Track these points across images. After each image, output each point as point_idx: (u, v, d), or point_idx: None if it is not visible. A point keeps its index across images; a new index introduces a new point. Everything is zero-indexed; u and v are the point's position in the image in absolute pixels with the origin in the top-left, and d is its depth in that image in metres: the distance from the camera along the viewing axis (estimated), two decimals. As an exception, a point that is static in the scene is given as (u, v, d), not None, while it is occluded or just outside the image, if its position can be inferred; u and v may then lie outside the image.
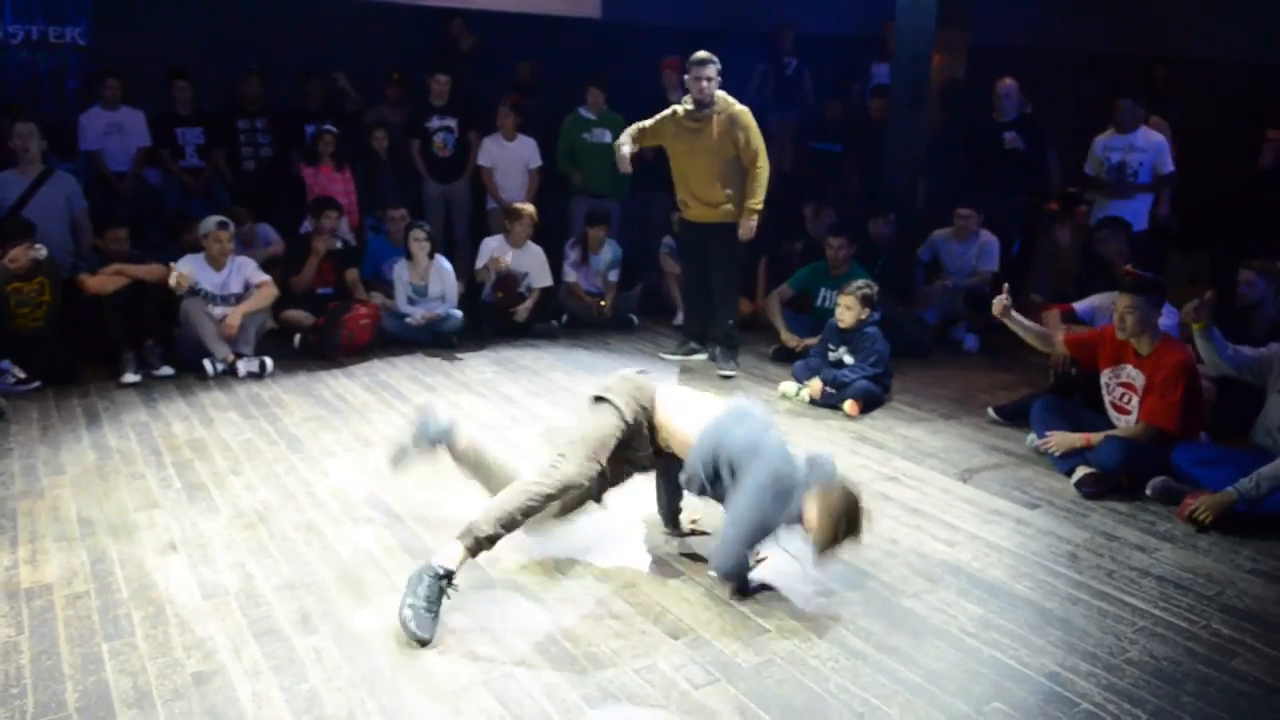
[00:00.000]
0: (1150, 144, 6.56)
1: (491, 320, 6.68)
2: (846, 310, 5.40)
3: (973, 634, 3.05)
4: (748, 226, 5.68)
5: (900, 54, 7.01)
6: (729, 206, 5.71)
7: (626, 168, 5.64)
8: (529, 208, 6.84)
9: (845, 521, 3.08)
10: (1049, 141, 7.33)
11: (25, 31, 7.42)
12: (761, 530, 3.13)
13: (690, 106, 5.60)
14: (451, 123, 7.52)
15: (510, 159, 7.53)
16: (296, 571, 3.34)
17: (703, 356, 6.16)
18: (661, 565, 3.46)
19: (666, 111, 5.74)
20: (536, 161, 7.58)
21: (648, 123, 5.76)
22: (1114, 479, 4.21)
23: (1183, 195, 7.18)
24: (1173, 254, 7.82)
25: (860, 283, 5.47)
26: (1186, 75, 8.81)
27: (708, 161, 5.64)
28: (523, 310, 6.73)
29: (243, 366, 5.59)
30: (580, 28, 9.42)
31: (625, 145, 5.59)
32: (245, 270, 5.85)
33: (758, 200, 5.64)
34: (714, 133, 5.57)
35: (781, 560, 3.33)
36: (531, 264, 6.83)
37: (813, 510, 3.08)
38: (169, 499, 3.92)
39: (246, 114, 7.32)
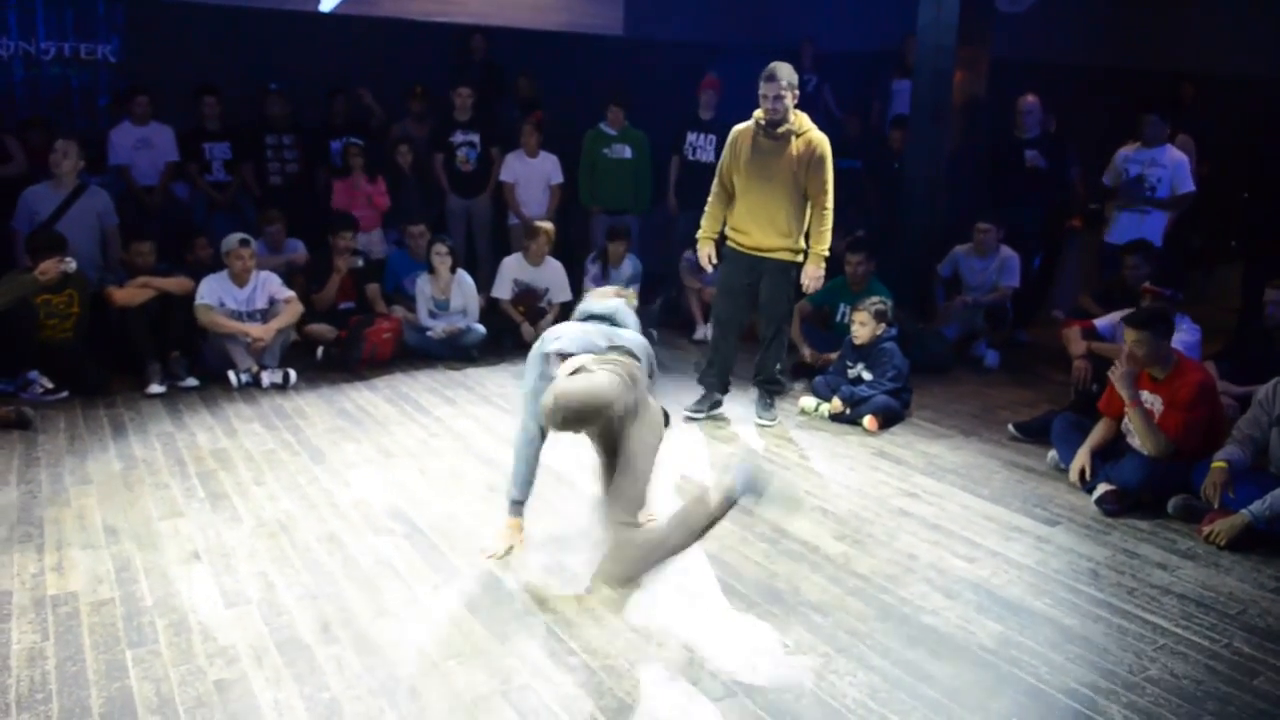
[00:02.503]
0: (1172, 161, 6.53)
1: (512, 334, 6.72)
2: (861, 326, 5.42)
3: (992, 651, 3.04)
4: (816, 275, 5.10)
5: (921, 71, 7.02)
6: (791, 241, 5.13)
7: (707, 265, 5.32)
8: (547, 226, 6.89)
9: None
10: (1072, 158, 7.32)
11: (58, 48, 7.56)
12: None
13: (763, 123, 5.02)
14: (474, 138, 7.59)
15: (532, 175, 7.60)
16: (318, 581, 3.37)
17: (721, 408, 5.49)
18: (679, 580, 3.47)
19: (731, 135, 5.16)
20: (558, 178, 7.64)
21: (721, 166, 5.18)
22: (1135, 497, 4.18)
23: (1207, 213, 7.16)
24: (1194, 272, 7.80)
25: (874, 299, 5.47)
26: (1210, 91, 8.80)
27: (781, 186, 5.04)
28: (542, 325, 6.77)
29: (266, 378, 5.65)
30: (603, 44, 9.49)
31: (708, 250, 5.24)
32: (270, 286, 5.92)
33: (825, 245, 5.06)
34: (792, 155, 4.99)
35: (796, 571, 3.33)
36: (551, 279, 6.88)
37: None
38: (193, 508, 3.97)
39: (274, 129, 7.43)
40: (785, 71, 4.91)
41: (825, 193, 5.02)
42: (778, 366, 5.39)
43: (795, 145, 4.99)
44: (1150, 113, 6.56)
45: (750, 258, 5.20)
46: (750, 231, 5.16)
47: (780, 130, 4.98)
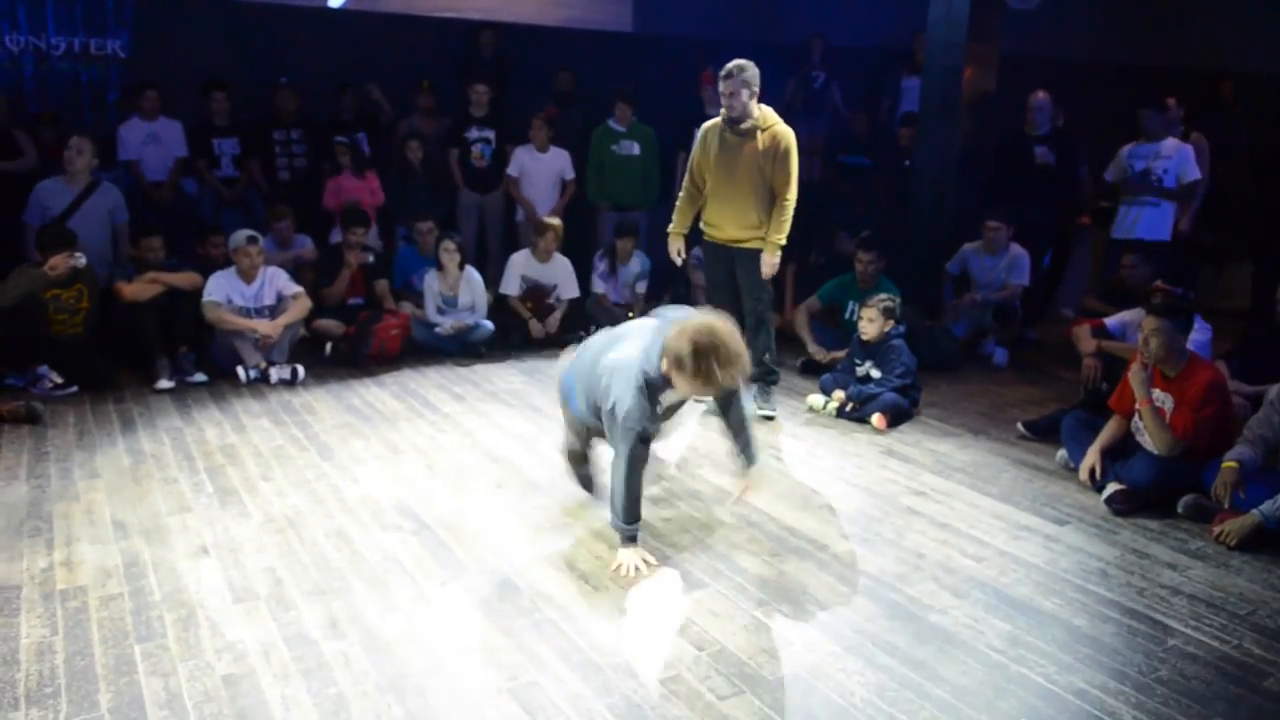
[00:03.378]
0: (1175, 151, 6.51)
1: (520, 331, 6.72)
2: (869, 323, 5.41)
3: (1000, 650, 3.03)
4: (771, 264, 5.21)
5: (931, 67, 7.00)
6: (762, 231, 5.23)
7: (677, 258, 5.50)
8: (556, 223, 6.88)
9: (698, 349, 3.15)
10: (1081, 155, 7.29)
11: (67, 43, 7.58)
12: (627, 424, 3.32)
13: (726, 120, 5.16)
14: (490, 134, 7.60)
15: (543, 170, 7.59)
16: (325, 577, 3.38)
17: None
18: (688, 577, 3.47)
19: (700, 131, 5.35)
20: (570, 174, 7.65)
21: (691, 162, 5.36)
22: (1145, 496, 4.16)
23: (1219, 211, 7.13)
24: (1206, 268, 7.76)
25: (882, 295, 5.47)
26: (1219, 87, 8.74)
27: (746, 180, 5.16)
28: (550, 322, 6.77)
29: (275, 374, 5.66)
30: (611, 40, 9.48)
31: (677, 245, 5.43)
32: (277, 281, 5.93)
33: (782, 235, 5.17)
34: (756, 149, 5.10)
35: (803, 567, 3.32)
36: (559, 276, 6.88)
37: (667, 363, 3.25)
38: (201, 503, 3.98)
39: (282, 125, 7.43)
40: (739, 68, 5.02)
41: (788, 185, 5.13)
42: (766, 355, 5.38)
43: (760, 140, 5.11)
44: (1147, 107, 6.54)
45: (724, 248, 5.35)
46: (722, 225, 5.32)
47: (744, 126, 5.10)
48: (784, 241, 5.21)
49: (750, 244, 5.26)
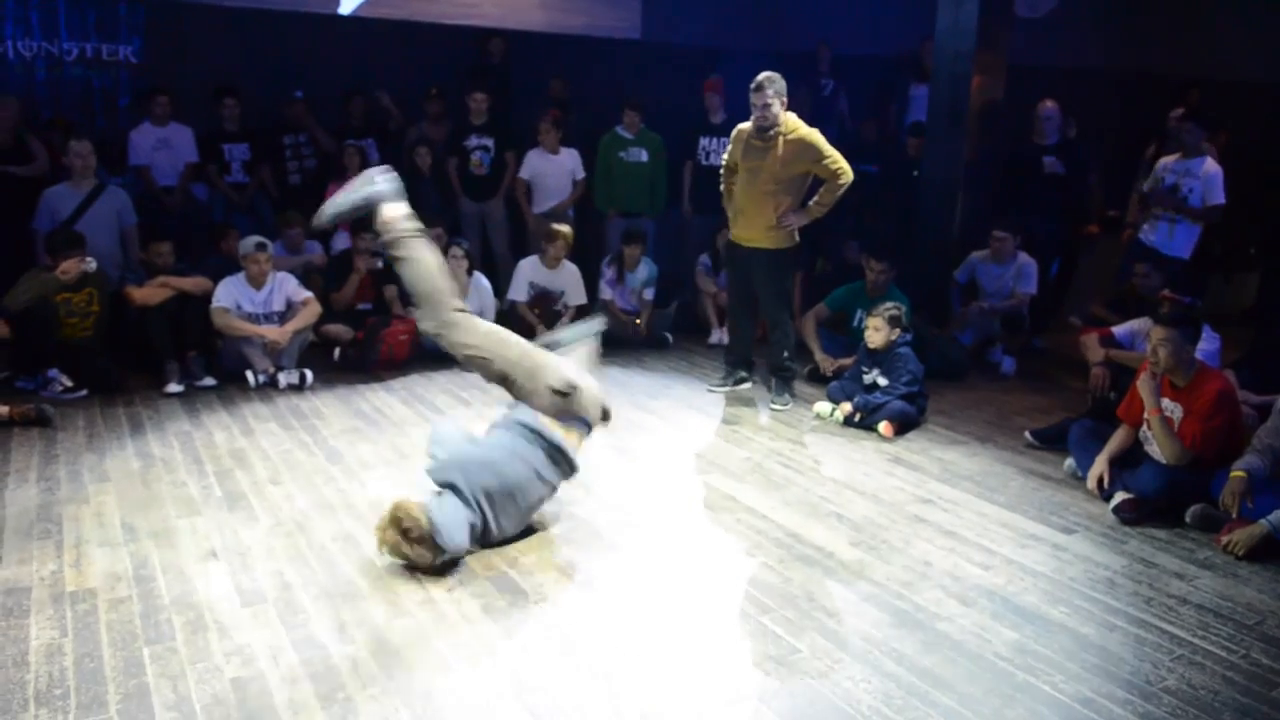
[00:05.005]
0: (1206, 174, 6.47)
1: (528, 337, 6.72)
2: (875, 332, 5.43)
3: (1007, 659, 3.03)
4: (797, 216, 5.42)
5: (939, 76, 7.01)
6: (777, 233, 5.49)
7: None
8: (565, 229, 6.90)
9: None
10: (1090, 166, 7.28)
11: (80, 49, 7.62)
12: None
13: (754, 127, 5.39)
14: (489, 142, 7.62)
15: (555, 171, 7.64)
16: (334, 581, 3.39)
17: (748, 385, 5.97)
18: (693, 585, 3.47)
19: (736, 131, 5.56)
20: (581, 173, 7.69)
21: (727, 158, 5.64)
22: (1152, 505, 4.15)
23: (1227, 219, 7.12)
24: (1214, 278, 7.74)
25: (888, 304, 5.48)
26: (1231, 97, 8.75)
27: (766, 184, 5.38)
28: (558, 329, 6.78)
29: (283, 379, 5.68)
30: (620, 48, 9.51)
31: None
32: (286, 287, 5.95)
33: (820, 209, 5.41)
34: (778, 155, 5.31)
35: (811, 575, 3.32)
36: (567, 283, 6.89)
37: None
38: (210, 507, 3.99)
39: (291, 129, 7.47)
40: (769, 80, 5.24)
41: (839, 171, 5.32)
42: (784, 354, 5.75)
43: (780, 145, 5.33)
44: (1188, 120, 6.50)
45: (742, 248, 5.63)
46: (739, 224, 5.61)
47: (770, 133, 5.34)
48: (818, 214, 5.45)
49: (764, 244, 5.52)
